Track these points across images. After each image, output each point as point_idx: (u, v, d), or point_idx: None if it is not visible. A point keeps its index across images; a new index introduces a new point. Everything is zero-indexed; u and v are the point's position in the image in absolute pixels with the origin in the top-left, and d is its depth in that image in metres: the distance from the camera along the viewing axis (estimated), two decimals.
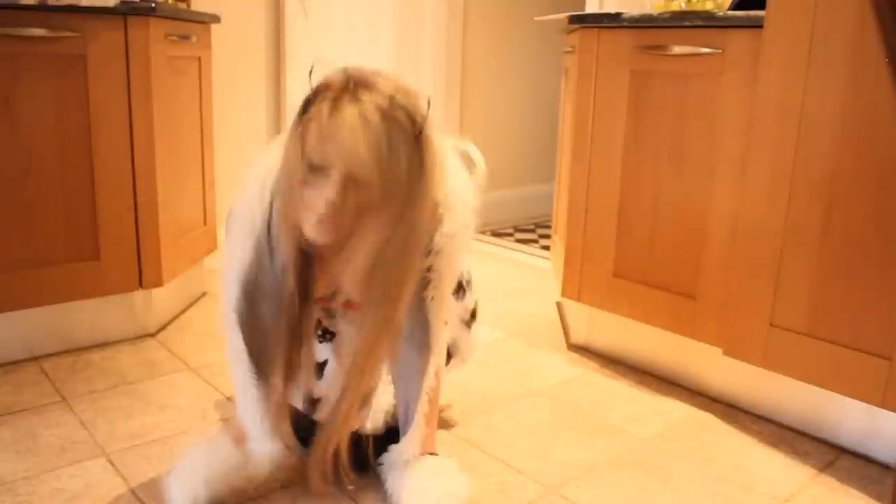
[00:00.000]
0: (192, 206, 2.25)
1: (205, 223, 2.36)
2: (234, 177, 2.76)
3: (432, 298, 1.25)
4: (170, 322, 2.21)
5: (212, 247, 2.42)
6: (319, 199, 1.03)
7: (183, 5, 2.46)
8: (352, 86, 1.02)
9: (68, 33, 1.76)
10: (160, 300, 2.13)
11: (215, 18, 2.33)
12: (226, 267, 1.23)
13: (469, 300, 1.60)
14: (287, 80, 2.88)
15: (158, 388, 1.78)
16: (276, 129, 2.92)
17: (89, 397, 1.71)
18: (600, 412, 1.75)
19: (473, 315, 1.65)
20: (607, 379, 1.94)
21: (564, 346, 2.17)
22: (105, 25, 1.81)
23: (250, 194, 1.20)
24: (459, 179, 1.27)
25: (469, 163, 1.35)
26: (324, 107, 1.02)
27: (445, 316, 1.28)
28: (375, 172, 1.00)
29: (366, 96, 1.01)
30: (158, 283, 2.00)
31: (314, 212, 1.04)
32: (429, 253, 1.20)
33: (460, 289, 1.58)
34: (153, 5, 1.86)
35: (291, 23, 2.86)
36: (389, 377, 1.36)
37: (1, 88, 1.70)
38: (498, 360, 2.01)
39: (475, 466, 1.48)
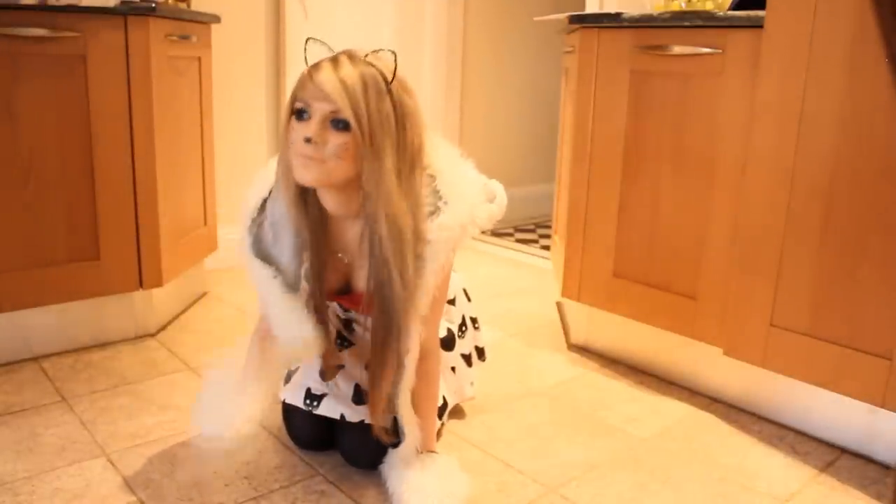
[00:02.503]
0: (192, 206, 2.25)
1: (205, 223, 2.36)
2: (234, 177, 2.77)
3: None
4: (170, 322, 2.21)
5: (212, 247, 2.42)
6: (302, 139, 1.12)
7: (183, 5, 2.46)
8: (334, 54, 1.16)
9: (68, 33, 1.76)
10: (160, 300, 2.13)
11: (215, 18, 2.33)
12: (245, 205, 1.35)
13: (469, 337, 1.64)
14: (287, 80, 2.88)
15: (158, 388, 1.78)
16: (276, 129, 2.92)
17: (89, 397, 1.71)
18: (600, 412, 1.75)
19: (481, 354, 1.69)
20: (607, 379, 1.94)
21: (564, 346, 2.17)
22: (105, 25, 1.81)
23: (264, 176, 1.35)
24: (467, 181, 1.28)
25: (491, 196, 1.34)
26: (307, 69, 1.15)
27: (422, 311, 1.23)
28: (349, 109, 1.09)
29: (343, 57, 1.13)
30: (158, 283, 2.00)
31: (299, 152, 1.12)
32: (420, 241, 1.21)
33: (463, 326, 1.62)
34: (153, 5, 1.86)
35: (291, 23, 2.86)
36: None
37: (1, 88, 1.70)
38: (498, 360, 2.01)
39: (475, 466, 1.48)
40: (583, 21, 1.92)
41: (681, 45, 1.70)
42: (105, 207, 1.88)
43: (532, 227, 3.77)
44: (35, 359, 1.91)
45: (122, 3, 1.85)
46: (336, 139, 1.12)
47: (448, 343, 1.56)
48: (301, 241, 1.27)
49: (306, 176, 1.13)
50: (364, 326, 1.47)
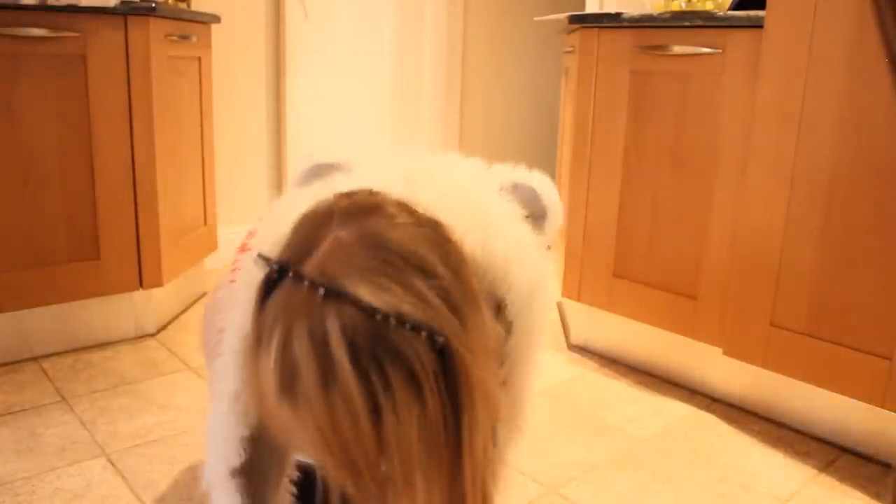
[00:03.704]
0: (192, 206, 2.25)
1: (205, 223, 2.36)
2: (234, 177, 2.78)
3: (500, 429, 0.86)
4: (170, 322, 2.21)
5: (212, 247, 2.42)
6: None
7: (183, 5, 2.46)
8: (319, 297, 0.59)
9: (68, 33, 1.76)
10: (160, 300, 2.13)
11: (215, 18, 2.33)
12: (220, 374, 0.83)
13: None
14: (287, 79, 2.88)
15: (158, 388, 1.78)
16: (276, 129, 2.92)
17: (89, 397, 1.71)
18: (600, 412, 1.75)
19: None
20: (607, 379, 1.94)
21: (564, 346, 2.17)
22: (105, 25, 1.81)
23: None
24: (528, 262, 0.84)
25: (536, 207, 0.91)
26: (274, 344, 0.60)
27: (511, 451, 0.89)
28: (360, 463, 0.61)
29: (333, 323, 0.58)
30: (158, 283, 2.00)
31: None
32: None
33: None
34: (153, 5, 1.86)
35: (291, 23, 2.86)
36: None
37: (1, 88, 1.70)
38: None
39: None
40: (583, 21, 1.92)
41: (681, 45, 1.70)
42: (105, 207, 1.88)
43: None
44: (35, 359, 1.91)
45: (122, 3, 1.85)
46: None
47: None
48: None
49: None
50: None
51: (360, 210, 0.65)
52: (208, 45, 2.34)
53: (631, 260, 1.90)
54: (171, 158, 2.04)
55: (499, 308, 0.80)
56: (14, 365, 1.86)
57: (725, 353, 1.68)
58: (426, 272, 0.62)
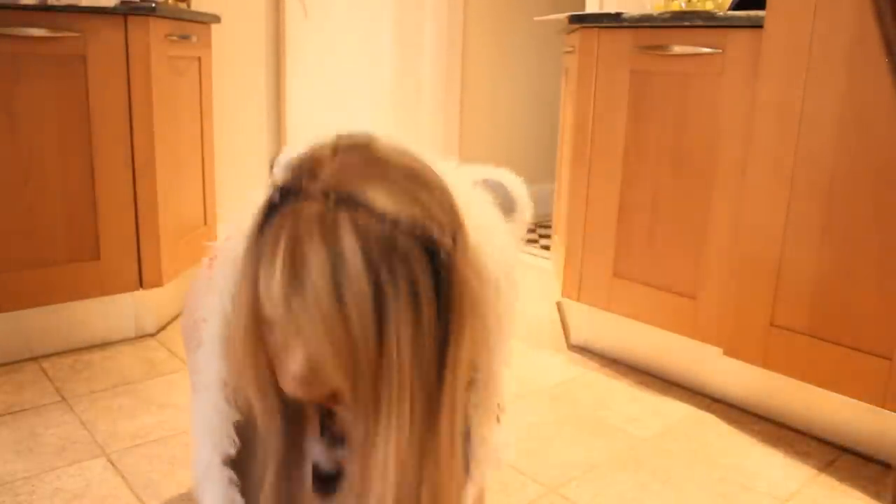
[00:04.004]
0: (192, 206, 2.25)
1: (205, 223, 2.36)
2: (234, 177, 2.77)
3: (476, 405, 0.87)
4: (170, 322, 2.21)
5: None
6: (286, 360, 0.67)
7: (183, 5, 2.46)
8: (331, 203, 0.61)
9: (68, 33, 1.76)
10: (160, 300, 2.13)
11: (215, 18, 2.33)
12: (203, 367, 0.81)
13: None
14: (287, 79, 2.88)
15: (158, 388, 1.78)
16: (276, 129, 2.92)
17: (89, 397, 1.71)
18: (600, 412, 1.75)
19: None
20: (607, 379, 1.94)
21: (564, 346, 2.17)
22: (105, 25, 1.81)
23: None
24: (500, 245, 0.86)
25: (505, 200, 0.96)
26: (281, 249, 0.62)
27: (489, 428, 0.89)
28: (362, 363, 0.62)
29: (346, 227, 0.60)
30: (158, 283, 2.00)
31: (287, 376, 0.68)
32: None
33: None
34: (153, 5, 1.86)
35: (291, 23, 2.86)
36: None
37: (1, 88, 1.70)
38: None
39: None
40: (583, 21, 1.92)
41: (681, 45, 1.70)
42: (105, 207, 1.88)
43: (532, 226, 3.77)
44: (35, 359, 1.91)
45: (122, 3, 1.85)
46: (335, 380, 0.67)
47: None
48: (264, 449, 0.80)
49: (299, 392, 0.69)
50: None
51: (360, 141, 0.68)
52: (208, 45, 2.34)
53: (631, 260, 1.90)
54: (171, 158, 2.04)
55: None
56: (14, 365, 1.86)
57: (725, 353, 1.68)
58: (429, 188, 0.65)
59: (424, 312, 0.62)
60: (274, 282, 0.62)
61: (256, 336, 0.69)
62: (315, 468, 0.88)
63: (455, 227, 0.66)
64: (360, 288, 0.59)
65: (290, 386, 0.68)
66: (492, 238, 0.81)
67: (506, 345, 0.87)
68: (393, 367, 0.62)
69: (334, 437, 0.94)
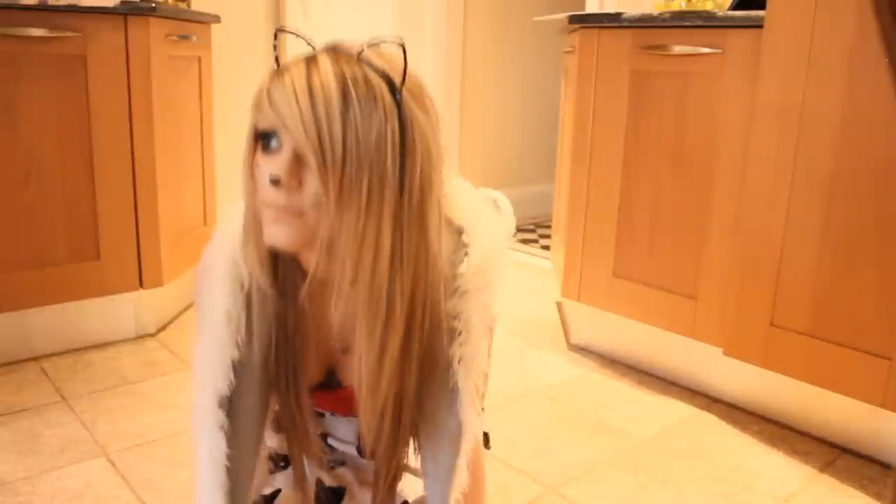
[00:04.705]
0: (192, 206, 2.25)
1: (205, 223, 2.36)
2: (234, 177, 2.77)
3: (460, 359, 0.87)
4: (170, 322, 2.21)
5: None
6: (271, 163, 0.78)
7: (183, 5, 2.46)
8: (314, 50, 0.79)
9: (68, 33, 1.76)
10: (160, 300, 2.13)
11: (215, 18, 2.33)
12: (201, 337, 0.90)
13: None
14: None
15: (158, 388, 1.78)
16: None
17: (89, 397, 1.71)
18: (600, 412, 1.75)
19: (486, 441, 1.22)
20: (607, 379, 1.94)
21: (564, 346, 2.17)
22: (105, 25, 1.81)
23: (220, 234, 0.96)
24: (487, 213, 0.98)
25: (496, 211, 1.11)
26: (272, 72, 0.80)
27: (479, 382, 0.89)
28: (305, 139, 0.73)
29: (323, 56, 0.76)
30: (158, 283, 2.00)
31: (267, 200, 0.78)
32: (452, 293, 0.86)
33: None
34: (153, 5, 1.86)
35: (291, 22, 2.86)
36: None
37: (1, 88, 1.70)
38: (498, 360, 2.01)
39: None
40: (583, 21, 1.92)
41: (681, 45, 1.70)
42: (105, 207, 1.88)
43: (532, 227, 3.77)
44: (35, 359, 1.91)
45: (122, 3, 1.85)
46: (314, 181, 0.75)
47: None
48: (268, 327, 0.89)
49: (279, 235, 0.77)
50: (346, 440, 1.12)
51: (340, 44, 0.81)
52: (208, 45, 2.34)
53: (631, 260, 1.90)
54: (171, 158, 2.04)
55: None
56: (14, 365, 1.86)
57: (725, 353, 1.68)
58: (401, 67, 0.78)
59: (386, 119, 0.75)
60: (262, 85, 0.81)
61: (251, 168, 0.82)
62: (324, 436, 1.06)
63: (412, 81, 0.79)
64: (328, 76, 0.74)
65: (270, 196, 0.77)
66: (484, 220, 0.93)
67: (487, 326, 0.92)
68: (350, 161, 0.74)
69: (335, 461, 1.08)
